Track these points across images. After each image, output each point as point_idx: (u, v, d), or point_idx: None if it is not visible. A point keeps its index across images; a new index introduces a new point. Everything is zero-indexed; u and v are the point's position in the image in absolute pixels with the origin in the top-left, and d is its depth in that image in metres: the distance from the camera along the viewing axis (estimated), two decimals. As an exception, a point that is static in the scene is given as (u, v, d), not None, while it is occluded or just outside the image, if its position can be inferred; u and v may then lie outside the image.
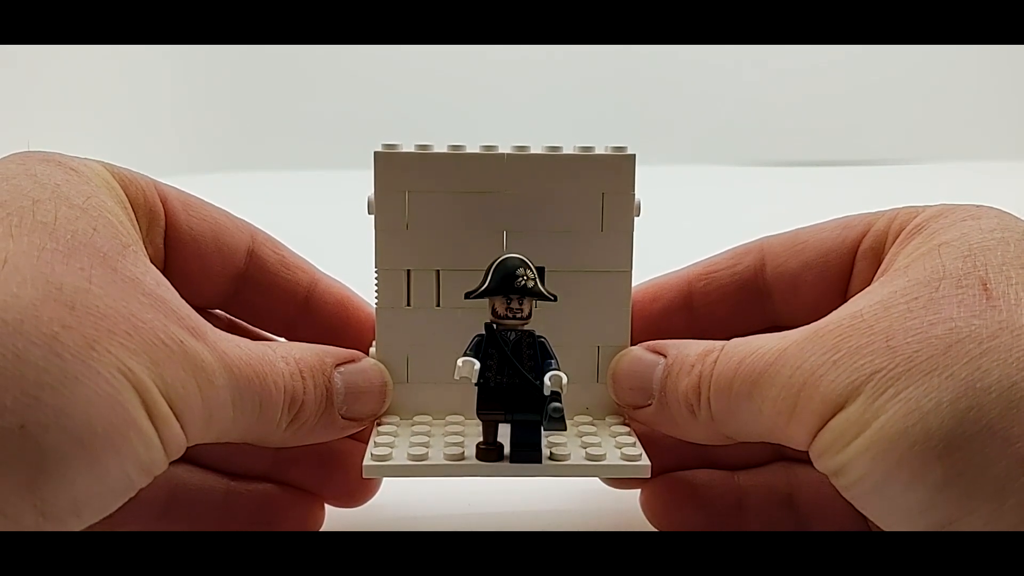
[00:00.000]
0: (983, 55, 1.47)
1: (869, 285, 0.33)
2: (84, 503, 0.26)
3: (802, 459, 0.38)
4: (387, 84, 1.50)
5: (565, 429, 0.32)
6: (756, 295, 0.39)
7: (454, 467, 0.33)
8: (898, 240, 0.34)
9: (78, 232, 0.29)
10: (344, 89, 1.57)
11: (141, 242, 0.33)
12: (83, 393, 0.25)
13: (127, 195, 0.34)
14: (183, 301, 0.30)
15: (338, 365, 0.35)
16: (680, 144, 1.39)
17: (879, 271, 0.35)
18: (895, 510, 0.28)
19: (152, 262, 0.33)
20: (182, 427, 0.28)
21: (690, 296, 0.40)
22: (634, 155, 0.37)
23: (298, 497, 0.40)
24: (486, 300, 0.34)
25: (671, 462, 0.40)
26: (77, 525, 0.26)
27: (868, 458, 0.27)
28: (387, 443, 0.34)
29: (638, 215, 0.38)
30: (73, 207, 0.30)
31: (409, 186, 0.37)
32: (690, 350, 0.34)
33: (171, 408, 0.28)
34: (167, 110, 1.60)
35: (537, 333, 0.34)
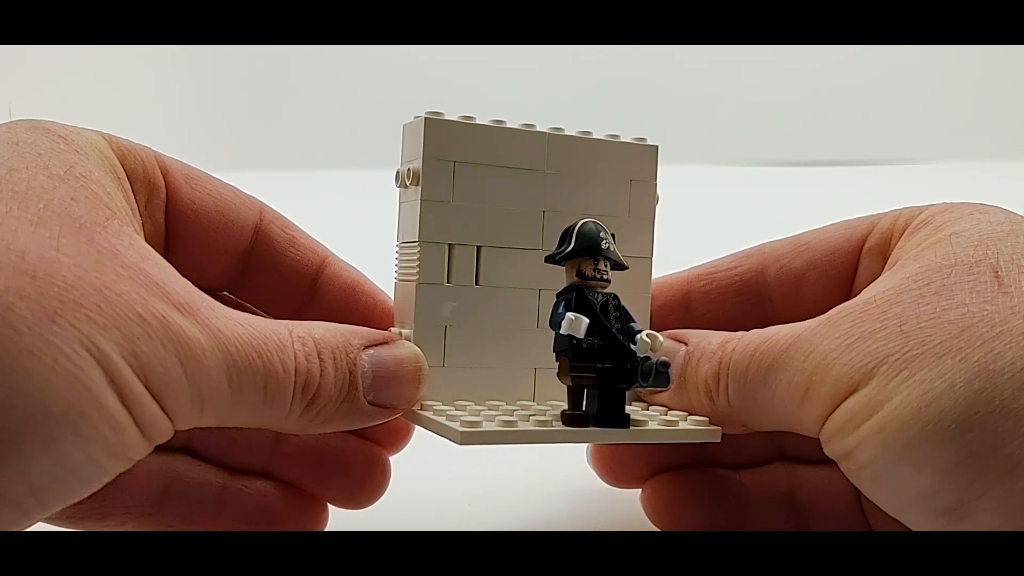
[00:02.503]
0: (983, 55, 1.47)
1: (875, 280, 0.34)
2: (44, 488, 0.24)
3: (803, 459, 0.41)
4: (391, 84, 1.39)
5: (668, 384, 0.32)
6: (755, 297, 0.40)
7: (544, 433, 0.32)
8: (904, 234, 0.35)
9: (53, 201, 0.27)
10: (345, 90, 1.45)
11: (132, 214, 0.30)
12: (38, 369, 0.23)
13: (124, 166, 0.32)
14: (176, 275, 0.28)
15: (367, 347, 0.32)
16: (682, 144, 1.32)
17: (887, 264, 0.35)
18: (905, 493, 0.28)
19: (151, 237, 0.31)
20: (165, 409, 0.26)
21: (688, 296, 0.40)
22: (656, 146, 0.39)
23: (298, 497, 0.37)
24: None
25: (673, 460, 0.40)
26: (40, 510, 0.24)
27: (879, 440, 0.28)
28: (466, 414, 0.32)
29: (656, 204, 0.39)
30: (52, 176, 0.28)
31: (456, 156, 0.35)
32: (712, 338, 0.35)
33: (148, 388, 0.25)
34: (168, 110, 1.45)
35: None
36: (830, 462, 0.32)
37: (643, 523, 0.40)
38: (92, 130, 0.32)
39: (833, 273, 0.38)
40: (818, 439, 0.31)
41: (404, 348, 0.33)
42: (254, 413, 0.29)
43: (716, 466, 0.40)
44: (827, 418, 0.30)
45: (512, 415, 0.32)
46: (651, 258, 0.39)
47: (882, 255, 0.37)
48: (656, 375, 0.32)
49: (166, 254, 0.30)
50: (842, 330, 0.30)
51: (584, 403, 0.33)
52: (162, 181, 0.34)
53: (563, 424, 0.32)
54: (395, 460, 0.38)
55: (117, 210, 0.28)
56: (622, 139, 0.38)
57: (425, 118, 0.35)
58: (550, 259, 0.33)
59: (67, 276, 0.24)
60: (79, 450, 0.24)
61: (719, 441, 0.34)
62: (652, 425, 0.34)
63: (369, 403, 0.32)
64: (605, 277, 0.33)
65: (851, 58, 1.50)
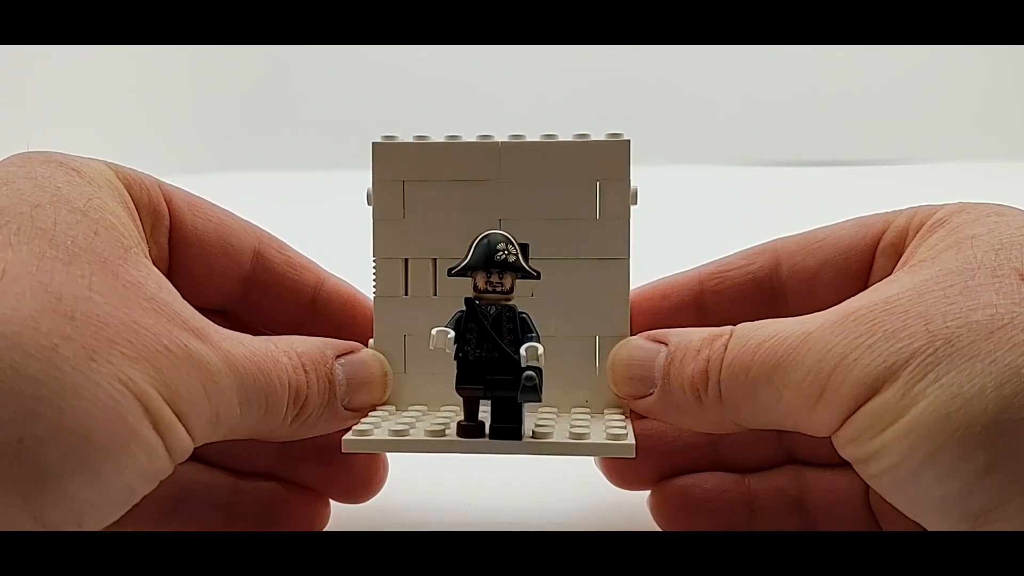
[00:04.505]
0: (983, 55, 1.50)
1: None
2: (84, 514, 0.26)
3: (811, 461, 0.39)
4: (387, 84, 1.53)
5: (539, 400, 0.32)
6: (769, 295, 0.38)
7: (433, 443, 0.33)
8: (919, 234, 0.34)
9: (78, 237, 0.28)
10: (344, 89, 1.59)
11: (143, 244, 0.33)
12: (81, 405, 0.25)
13: (131, 195, 0.34)
14: (185, 302, 0.30)
15: (338, 356, 0.35)
16: (682, 144, 1.43)
17: (900, 262, 0.34)
18: (929, 498, 0.27)
19: (156, 263, 0.33)
20: (188, 431, 0.28)
21: (701, 295, 0.39)
22: (628, 141, 0.37)
23: (303, 495, 0.39)
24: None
25: (682, 464, 0.39)
26: None
27: (906, 445, 0.27)
28: (372, 422, 0.34)
29: (635, 203, 0.38)
30: (74, 211, 0.29)
31: (406, 175, 0.37)
32: (693, 336, 0.34)
33: (176, 414, 0.28)
34: (167, 110, 1.61)
35: (520, 309, 0.33)
36: (839, 464, 0.33)
37: (645, 524, 0.39)
38: (99, 160, 0.34)
39: (848, 272, 0.37)
40: (828, 439, 0.30)
41: (370, 355, 0.37)
42: (255, 425, 0.32)
43: (726, 469, 0.39)
44: (845, 420, 0.29)
45: (428, 421, 0.34)
46: (628, 259, 0.37)
47: (897, 254, 0.35)
48: (523, 390, 0.31)
49: (169, 278, 0.33)
50: (862, 329, 0.29)
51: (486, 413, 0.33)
52: (166, 208, 0.36)
53: (456, 435, 0.33)
54: (395, 460, 0.41)
55: (132, 241, 0.31)
56: (592, 138, 0.37)
57: (373, 143, 0.37)
58: (451, 272, 0.34)
59: (100, 315, 0.26)
60: (118, 478, 0.26)
61: (633, 456, 0.33)
62: (558, 437, 0.33)
63: (344, 408, 0.35)
64: (499, 289, 0.33)
65: (851, 58, 1.49)
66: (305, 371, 0.33)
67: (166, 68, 1.58)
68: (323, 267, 0.41)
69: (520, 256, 0.33)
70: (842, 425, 0.29)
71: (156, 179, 0.36)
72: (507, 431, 0.32)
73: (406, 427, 0.33)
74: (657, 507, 0.39)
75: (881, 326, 0.28)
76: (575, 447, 0.33)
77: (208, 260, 0.37)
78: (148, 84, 1.58)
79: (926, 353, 0.27)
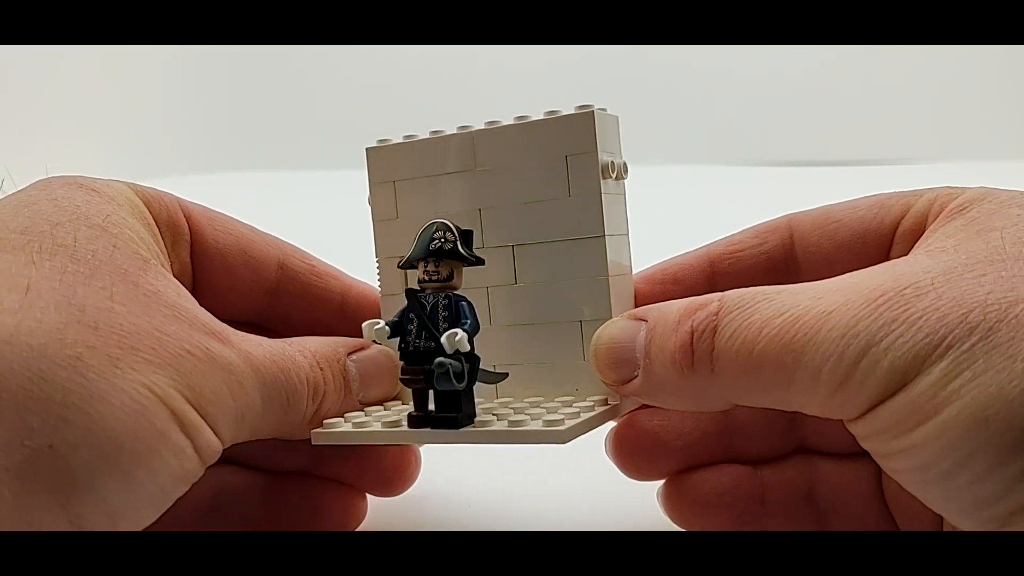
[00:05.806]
0: (983, 55, 1.51)
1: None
2: (119, 516, 0.26)
3: (822, 450, 0.37)
4: (384, 84, 1.53)
5: (455, 387, 0.31)
6: (785, 276, 0.37)
7: (385, 434, 0.34)
8: (938, 219, 0.33)
9: (98, 251, 0.30)
10: (342, 89, 1.59)
11: (163, 257, 0.34)
12: (109, 411, 0.26)
13: (150, 211, 0.35)
14: (203, 309, 0.31)
15: (349, 354, 0.36)
16: (682, 144, 1.42)
17: (915, 246, 0.33)
18: (959, 499, 0.26)
19: (179, 277, 0.34)
20: (216, 432, 0.29)
21: (714, 277, 0.37)
22: (592, 112, 0.35)
23: (339, 490, 0.40)
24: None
25: (696, 455, 0.37)
26: None
27: (938, 446, 0.25)
28: (353, 416, 0.35)
29: (625, 176, 0.36)
30: (93, 227, 0.31)
31: (395, 176, 0.38)
32: (672, 308, 0.31)
33: (203, 416, 0.28)
34: (167, 111, 1.62)
35: (459, 295, 0.33)
36: (851, 455, 0.33)
37: (644, 524, 0.39)
38: (119, 181, 0.35)
39: (866, 256, 0.35)
40: (841, 426, 0.29)
41: (379, 351, 0.37)
42: (277, 424, 0.33)
43: (738, 459, 0.38)
44: (868, 411, 0.27)
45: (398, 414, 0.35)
46: (603, 236, 0.35)
47: (916, 240, 0.34)
48: (436, 379, 0.31)
49: (194, 292, 0.34)
50: (892, 314, 0.27)
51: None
52: (185, 224, 0.36)
53: (407, 426, 0.33)
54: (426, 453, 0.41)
55: (151, 253, 0.32)
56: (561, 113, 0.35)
57: (366, 148, 0.39)
58: (399, 266, 0.35)
59: (123, 324, 0.27)
60: (151, 481, 0.26)
61: (563, 442, 0.31)
62: (498, 426, 0.32)
63: (360, 402, 0.36)
64: (435, 278, 0.33)
65: (851, 58, 1.52)
66: (320, 368, 0.34)
67: (166, 69, 1.61)
68: (348, 274, 0.41)
69: (459, 242, 0.33)
70: (863, 415, 0.27)
71: (176, 196, 0.37)
72: (445, 420, 0.32)
73: (367, 419, 0.34)
74: (670, 501, 0.37)
75: (912, 312, 0.26)
76: (508, 435, 0.32)
77: (231, 273, 0.38)
78: (148, 85, 1.61)
79: (961, 348, 0.25)
